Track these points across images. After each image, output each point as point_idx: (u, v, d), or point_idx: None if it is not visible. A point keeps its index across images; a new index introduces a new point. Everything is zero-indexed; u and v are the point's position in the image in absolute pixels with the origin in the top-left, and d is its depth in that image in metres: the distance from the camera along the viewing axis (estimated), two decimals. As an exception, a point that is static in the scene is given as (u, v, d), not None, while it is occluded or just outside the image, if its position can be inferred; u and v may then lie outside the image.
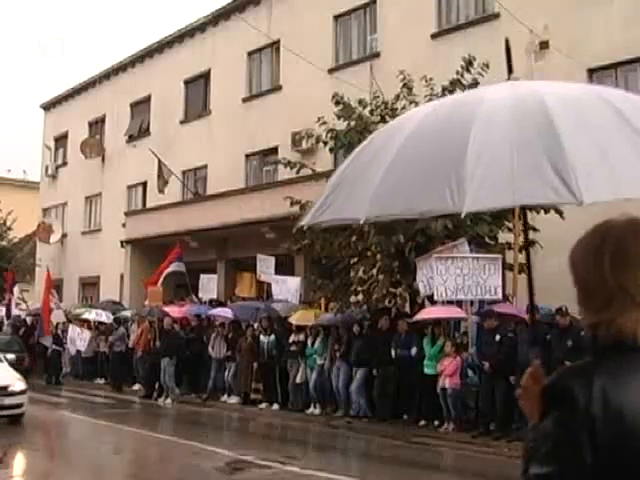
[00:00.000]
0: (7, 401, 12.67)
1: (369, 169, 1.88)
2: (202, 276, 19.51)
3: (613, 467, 1.43)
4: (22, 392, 12.99)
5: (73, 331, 21.40)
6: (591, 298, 1.59)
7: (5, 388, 12.78)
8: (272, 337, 15.82)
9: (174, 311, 18.80)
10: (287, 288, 16.93)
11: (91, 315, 21.53)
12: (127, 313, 21.74)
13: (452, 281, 11.94)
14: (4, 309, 25.20)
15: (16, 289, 25.44)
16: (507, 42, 2.34)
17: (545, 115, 1.71)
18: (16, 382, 13.07)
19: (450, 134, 1.77)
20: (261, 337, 16.04)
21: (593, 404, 1.44)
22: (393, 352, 13.44)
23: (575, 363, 1.58)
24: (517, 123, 1.73)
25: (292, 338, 15.47)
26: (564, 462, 1.45)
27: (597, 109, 1.78)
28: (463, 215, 1.77)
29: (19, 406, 12.84)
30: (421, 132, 1.85)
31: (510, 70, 2.26)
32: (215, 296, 19.51)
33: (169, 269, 19.98)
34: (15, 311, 25.08)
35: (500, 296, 12.29)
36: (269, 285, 17.65)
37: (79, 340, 21.19)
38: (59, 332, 22.19)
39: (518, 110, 1.77)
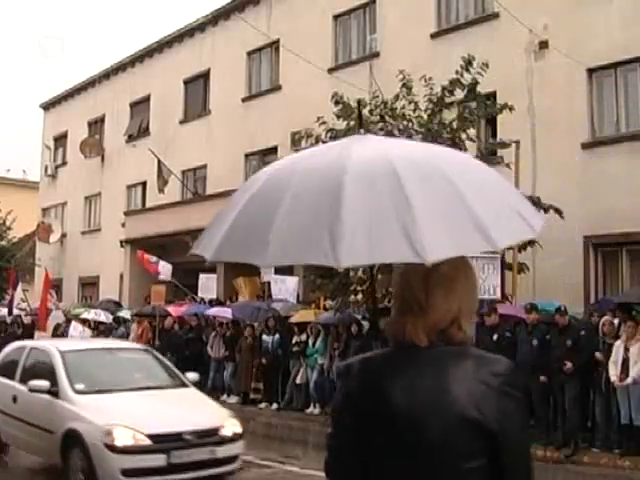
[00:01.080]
0: (220, 452, 8.14)
1: (261, 217, 2.13)
2: (201, 276, 19.51)
3: (368, 431, 1.86)
4: (237, 437, 8.56)
5: (75, 329, 21.35)
6: (393, 304, 2.07)
7: (214, 432, 8.26)
8: (277, 337, 15.83)
9: (174, 310, 18.82)
10: (286, 288, 16.95)
11: (90, 315, 21.50)
12: (124, 313, 21.71)
13: (451, 281, 11.95)
14: (6, 309, 25.16)
15: (19, 288, 25.36)
16: (359, 104, 2.74)
17: (399, 185, 1.98)
18: (227, 421, 8.65)
19: (323, 199, 2.02)
20: (264, 337, 16.04)
21: (353, 381, 1.91)
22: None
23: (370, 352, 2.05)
24: (376, 192, 2.00)
25: (295, 339, 15.49)
26: (334, 424, 1.96)
27: (441, 180, 2.05)
28: (340, 269, 1.99)
29: (233, 460, 8.39)
30: (298, 194, 2.09)
31: (360, 126, 2.56)
32: (215, 295, 19.50)
33: (162, 275, 20.29)
34: (15, 311, 25.01)
35: (499, 295, 12.29)
36: (268, 284, 17.69)
37: (81, 339, 21.17)
38: (58, 333, 22.07)
39: (376, 179, 2.02)
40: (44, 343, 10.75)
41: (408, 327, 1.89)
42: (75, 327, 21.35)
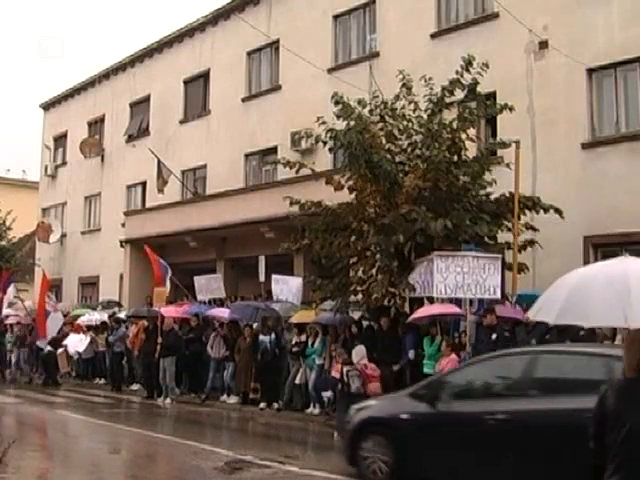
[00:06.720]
0: None
1: (581, 295, 4.39)
2: (196, 278, 19.28)
3: (602, 417, 3.91)
4: None
5: (73, 338, 21.38)
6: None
7: None
8: (273, 337, 15.82)
9: (173, 311, 18.71)
10: (288, 288, 16.88)
11: (94, 316, 21.41)
12: (123, 314, 21.66)
13: (452, 279, 11.93)
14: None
15: (11, 289, 25.12)
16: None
17: None
18: None
19: (615, 288, 4.19)
20: (261, 337, 16.03)
21: (604, 389, 4.01)
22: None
23: None
24: None
25: (295, 339, 15.48)
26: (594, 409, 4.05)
27: None
28: (630, 327, 3.98)
29: None
30: (604, 285, 4.31)
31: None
32: (224, 295, 19.31)
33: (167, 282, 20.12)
34: (9, 311, 24.80)
35: (499, 295, 12.27)
36: (264, 285, 17.67)
37: (79, 343, 21.22)
38: (61, 335, 21.95)
39: None
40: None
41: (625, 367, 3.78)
42: (73, 337, 21.31)
